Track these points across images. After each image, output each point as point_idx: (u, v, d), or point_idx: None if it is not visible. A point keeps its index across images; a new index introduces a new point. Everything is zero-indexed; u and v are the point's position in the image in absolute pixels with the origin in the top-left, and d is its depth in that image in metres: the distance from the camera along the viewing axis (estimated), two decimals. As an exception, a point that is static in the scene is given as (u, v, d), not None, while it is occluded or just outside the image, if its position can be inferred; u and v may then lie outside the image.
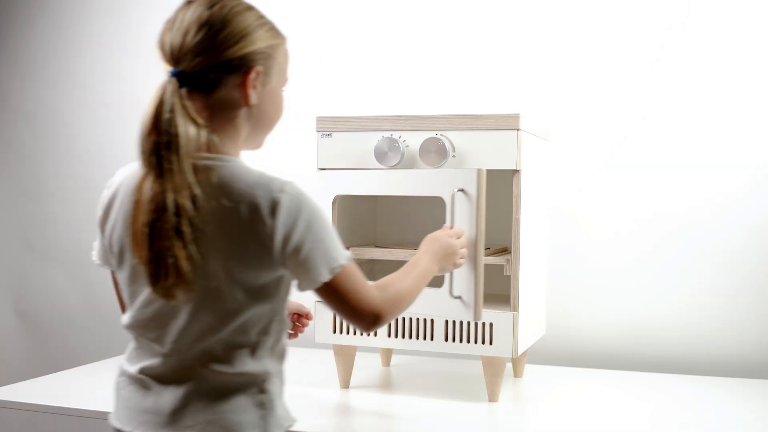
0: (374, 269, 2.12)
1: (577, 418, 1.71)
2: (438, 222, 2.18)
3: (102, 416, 1.68)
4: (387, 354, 2.18)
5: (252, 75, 1.17)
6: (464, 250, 1.52)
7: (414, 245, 1.80)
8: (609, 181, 2.27)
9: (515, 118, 1.74)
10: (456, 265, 1.50)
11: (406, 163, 1.81)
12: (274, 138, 2.55)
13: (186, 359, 1.15)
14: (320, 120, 1.88)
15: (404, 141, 1.81)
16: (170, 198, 1.08)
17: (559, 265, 2.27)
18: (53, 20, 2.83)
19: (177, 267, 1.09)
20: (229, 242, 1.11)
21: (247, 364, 1.16)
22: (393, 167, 1.82)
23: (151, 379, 1.16)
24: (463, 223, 1.59)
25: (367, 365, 2.15)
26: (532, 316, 1.92)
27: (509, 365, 2.14)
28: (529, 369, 2.14)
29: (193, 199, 1.09)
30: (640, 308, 2.24)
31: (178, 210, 1.08)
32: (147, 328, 1.17)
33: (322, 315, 1.87)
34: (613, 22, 2.27)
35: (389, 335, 1.84)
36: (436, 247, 1.45)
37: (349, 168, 1.88)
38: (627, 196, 2.25)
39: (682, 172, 2.21)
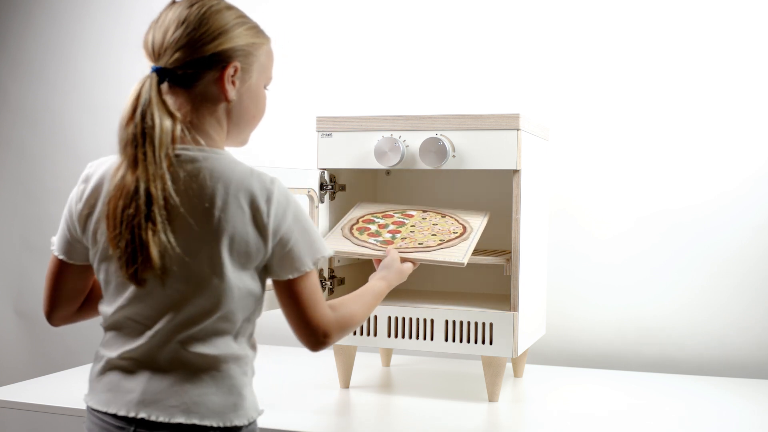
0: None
1: (577, 418, 1.71)
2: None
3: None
4: (387, 354, 2.18)
5: (229, 71, 1.22)
6: (410, 268, 1.64)
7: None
8: (608, 180, 2.27)
9: (515, 118, 1.74)
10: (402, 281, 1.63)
11: (406, 163, 1.81)
12: (274, 138, 2.57)
13: (171, 343, 1.18)
14: (320, 120, 1.88)
15: (404, 141, 1.81)
16: (142, 186, 1.13)
17: (559, 265, 2.27)
18: (53, 20, 2.83)
19: (146, 252, 1.14)
20: (226, 229, 1.17)
21: (228, 351, 1.20)
22: (393, 167, 1.82)
23: (133, 362, 1.19)
24: None
25: (367, 365, 2.15)
26: (532, 316, 1.92)
27: (509, 365, 2.14)
28: (529, 369, 2.14)
29: (165, 189, 1.14)
30: (640, 308, 2.24)
31: (150, 198, 1.13)
32: (136, 314, 1.20)
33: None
34: (612, 22, 2.27)
35: (389, 335, 1.84)
36: (392, 275, 1.57)
37: (350, 168, 1.88)
38: (627, 196, 2.25)
39: (682, 172, 2.21)
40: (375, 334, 1.85)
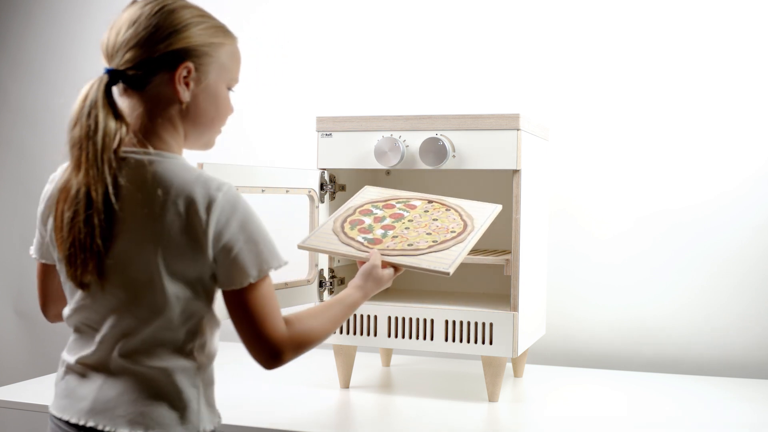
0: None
1: (577, 418, 1.70)
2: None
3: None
4: (387, 354, 2.18)
5: (180, 71, 1.18)
6: (391, 275, 1.52)
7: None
8: (608, 180, 2.27)
9: (515, 118, 1.74)
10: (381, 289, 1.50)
11: (406, 163, 1.81)
12: (274, 138, 2.57)
13: (115, 350, 1.17)
14: (320, 120, 1.88)
15: (404, 141, 1.81)
16: (82, 190, 1.13)
17: (559, 265, 2.27)
18: (53, 20, 2.83)
19: (84, 256, 1.14)
20: (162, 235, 1.14)
21: (174, 362, 1.18)
22: (393, 167, 1.82)
23: (87, 368, 1.19)
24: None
25: (367, 365, 2.15)
26: (532, 316, 1.92)
27: (509, 365, 2.14)
28: (529, 369, 2.14)
29: (106, 194, 1.13)
30: (640, 308, 2.24)
31: (90, 202, 1.12)
32: (86, 319, 1.20)
33: (322, 315, 1.87)
34: (612, 22, 2.27)
35: (389, 335, 1.84)
36: (369, 284, 1.46)
37: (350, 168, 1.88)
38: (627, 196, 2.25)
39: (682, 172, 2.21)
40: (375, 334, 1.85)
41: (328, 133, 1.88)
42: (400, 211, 1.71)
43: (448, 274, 1.52)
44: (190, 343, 1.19)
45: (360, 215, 1.70)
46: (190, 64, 1.18)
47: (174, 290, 1.15)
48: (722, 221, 2.18)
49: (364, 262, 1.53)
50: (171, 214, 1.13)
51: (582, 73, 2.29)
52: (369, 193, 1.78)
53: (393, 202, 1.74)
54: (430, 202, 1.73)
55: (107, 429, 1.15)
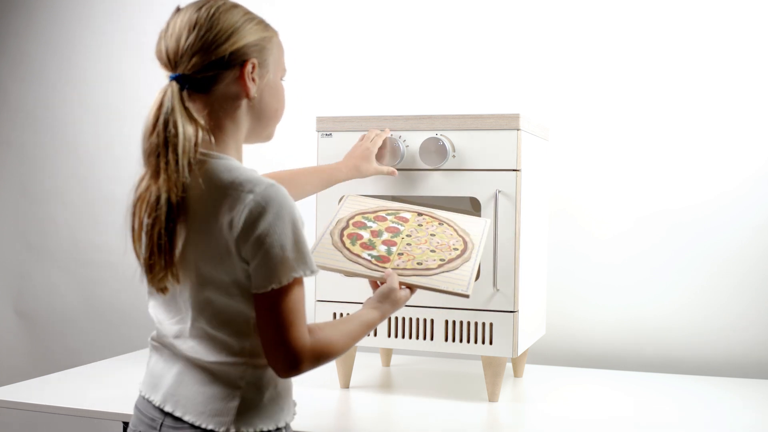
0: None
1: (577, 418, 1.71)
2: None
3: (102, 416, 1.68)
4: (387, 354, 2.18)
5: (248, 68, 1.22)
6: (407, 297, 1.46)
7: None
8: (608, 180, 2.27)
9: (515, 118, 1.74)
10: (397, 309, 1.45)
11: (406, 163, 1.81)
12: (274, 138, 2.56)
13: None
14: (320, 120, 1.89)
15: (404, 141, 1.81)
16: (163, 197, 1.14)
17: (559, 265, 2.27)
18: (53, 20, 2.83)
19: (168, 261, 1.16)
20: (203, 232, 1.16)
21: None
22: (393, 167, 1.82)
23: None
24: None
25: (367, 365, 2.15)
26: (532, 316, 1.92)
27: (509, 365, 2.14)
28: (529, 369, 2.14)
29: (183, 197, 1.16)
30: (640, 308, 2.24)
31: (171, 208, 1.14)
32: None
33: (321, 314, 1.87)
34: (612, 22, 2.27)
35: (389, 335, 1.84)
36: (387, 306, 1.41)
37: (349, 168, 1.88)
38: (627, 196, 2.25)
39: (682, 172, 2.21)
40: (375, 334, 1.85)
41: (328, 133, 1.88)
42: (394, 225, 1.63)
43: (467, 296, 1.50)
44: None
45: (355, 228, 1.60)
46: (255, 60, 1.23)
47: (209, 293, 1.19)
48: (722, 221, 2.18)
49: (376, 282, 1.50)
50: (211, 211, 1.16)
51: (582, 73, 2.29)
52: (353, 202, 1.69)
53: (383, 214, 1.66)
54: (420, 214, 1.67)
55: None
